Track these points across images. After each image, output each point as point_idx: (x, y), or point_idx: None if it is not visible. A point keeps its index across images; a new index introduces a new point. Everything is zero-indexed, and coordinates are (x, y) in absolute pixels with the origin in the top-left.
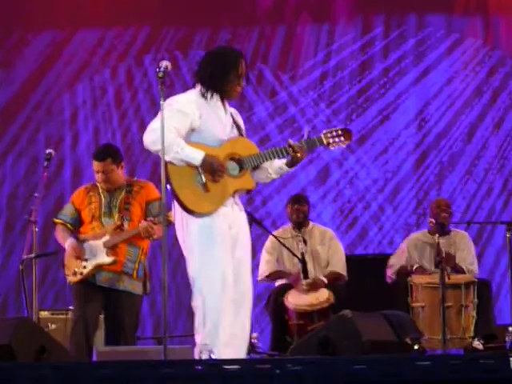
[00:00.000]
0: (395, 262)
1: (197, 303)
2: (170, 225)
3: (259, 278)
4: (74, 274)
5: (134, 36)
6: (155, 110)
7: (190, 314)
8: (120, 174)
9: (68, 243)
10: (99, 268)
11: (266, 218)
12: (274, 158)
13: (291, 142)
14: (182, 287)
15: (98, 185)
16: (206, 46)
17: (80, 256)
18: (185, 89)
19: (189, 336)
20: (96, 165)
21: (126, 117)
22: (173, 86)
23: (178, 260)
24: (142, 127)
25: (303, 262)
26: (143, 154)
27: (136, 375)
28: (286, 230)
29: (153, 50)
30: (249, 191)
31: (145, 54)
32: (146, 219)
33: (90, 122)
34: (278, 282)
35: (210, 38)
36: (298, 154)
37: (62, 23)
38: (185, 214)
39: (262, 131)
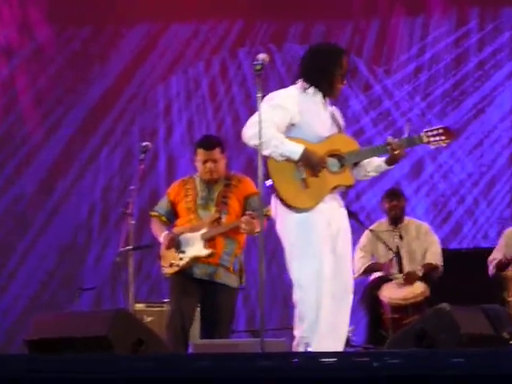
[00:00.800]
0: (495, 256)
1: (296, 297)
2: (268, 219)
3: (355, 275)
4: (171, 265)
5: (227, 29)
6: (249, 103)
7: (284, 307)
8: (223, 165)
9: (163, 235)
10: (196, 260)
11: (360, 212)
12: (374, 155)
13: (390, 139)
14: (276, 280)
15: (196, 177)
16: (300, 39)
17: (175, 248)
18: (279, 82)
19: (283, 329)
20: (204, 154)
21: (221, 110)
22: (267, 79)
23: (273, 253)
24: (236, 120)
25: (398, 256)
26: (237, 148)
27: (233, 367)
28: (381, 223)
29: (247, 44)
30: (348, 187)
31: (239, 47)
32: (244, 214)
33: (184, 115)
34: (373, 276)
35: (304, 32)
36: (397, 152)
37: (156, 16)
38: (284, 208)
39: (357, 124)
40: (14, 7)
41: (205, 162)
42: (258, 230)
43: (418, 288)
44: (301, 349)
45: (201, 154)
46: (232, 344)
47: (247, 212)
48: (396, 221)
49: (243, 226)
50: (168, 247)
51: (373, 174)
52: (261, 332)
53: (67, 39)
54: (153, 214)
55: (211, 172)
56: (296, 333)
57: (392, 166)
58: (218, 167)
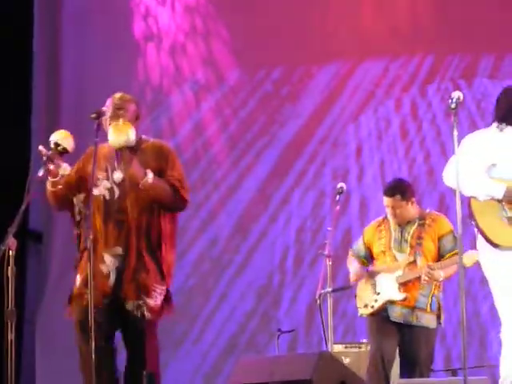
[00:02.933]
0: None
1: (502, 335)
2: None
3: None
4: (366, 306)
5: (418, 65)
6: (440, 141)
7: (480, 345)
8: (410, 209)
9: (353, 269)
10: (390, 303)
11: None
12: None
13: None
14: (471, 317)
15: (390, 219)
16: (490, 73)
17: (370, 285)
18: (469, 118)
19: (483, 367)
20: (386, 200)
21: (412, 148)
22: (457, 114)
23: (468, 290)
24: (427, 158)
25: None
26: (430, 186)
27: None
28: None
29: (437, 79)
30: None
31: (429, 83)
32: (438, 255)
33: (376, 154)
34: None
35: (494, 66)
36: None
37: (346, 54)
38: (489, 247)
39: None
40: (202, 48)
41: (387, 207)
42: (440, 279)
43: None
44: None
45: (384, 199)
46: (433, 383)
47: (427, 264)
48: None
49: (423, 277)
50: (364, 288)
51: None
52: (464, 371)
53: (258, 82)
54: (350, 253)
55: (393, 218)
56: (502, 371)
57: None
58: (398, 213)
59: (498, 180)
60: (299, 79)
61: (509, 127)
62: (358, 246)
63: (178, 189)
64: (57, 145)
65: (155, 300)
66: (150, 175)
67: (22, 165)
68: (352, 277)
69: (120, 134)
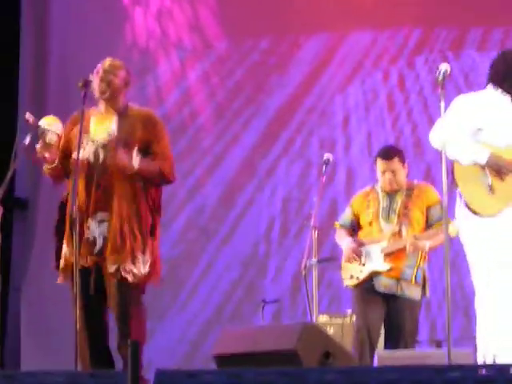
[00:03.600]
0: None
1: (479, 308)
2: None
3: None
4: (351, 277)
5: (406, 37)
6: (428, 113)
7: (465, 317)
8: (404, 175)
9: (346, 245)
10: (376, 274)
11: None
12: None
13: None
14: (456, 289)
15: (378, 188)
16: (478, 46)
17: (358, 259)
18: (456, 90)
19: (465, 339)
20: (383, 164)
21: (399, 120)
22: (444, 87)
23: (453, 261)
24: (415, 130)
25: None
26: (416, 157)
27: (420, 379)
28: None
29: (425, 51)
30: None
31: (417, 55)
32: (426, 224)
33: (363, 125)
34: None
35: (482, 39)
36: None
37: (334, 25)
38: (470, 214)
39: None
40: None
41: (384, 172)
42: (426, 249)
43: None
44: (488, 360)
45: (380, 164)
46: (417, 355)
47: (413, 234)
48: None
49: (408, 247)
50: (349, 258)
51: None
52: (448, 342)
53: (246, 51)
54: (337, 225)
55: (391, 183)
56: (480, 342)
57: None
58: (398, 178)
59: (484, 145)
60: (287, 49)
61: (500, 92)
62: (345, 215)
63: (163, 170)
64: (44, 133)
65: (139, 267)
66: (136, 163)
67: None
68: (347, 254)
69: (100, 127)
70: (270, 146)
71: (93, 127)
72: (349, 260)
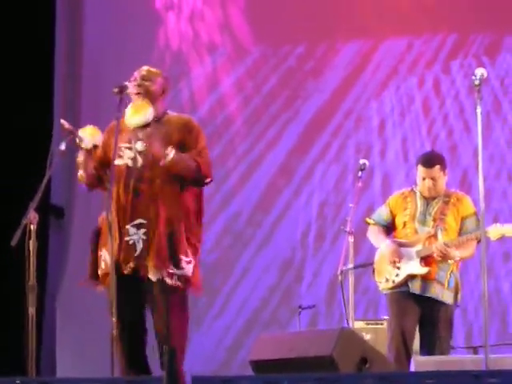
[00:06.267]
0: None
1: None
2: (478, 243)
3: None
4: (387, 280)
5: (441, 42)
6: (463, 118)
7: (502, 322)
8: (443, 182)
9: (386, 246)
10: (411, 277)
11: None
12: None
13: None
14: (492, 295)
15: (417, 191)
16: None
17: (399, 262)
18: (492, 96)
19: (503, 345)
20: (423, 171)
21: (434, 125)
22: (480, 91)
23: (489, 267)
24: (450, 135)
25: None
26: (453, 163)
27: None
28: None
29: (460, 56)
30: None
31: (452, 60)
32: (460, 234)
33: (398, 131)
34: None
35: None
36: None
37: (370, 31)
38: None
39: None
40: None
41: (424, 178)
42: (456, 258)
43: None
44: None
45: (420, 170)
46: (454, 361)
47: (444, 241)
48: None
49: (435, 253)
50: (386, 260)
51: None
52: (485, 349)
53: (282, 56)
54: (370, 221)
55: (430, 190)
56: None
57: None
58: (437, 185)
59: None
60: (323, 54)
61: None
62: (381, 213)
63: (200, 164)
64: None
65: (182, 269)
66: (171, 153)
67: (45, 139)
68: (388, 256)
69: (136, 114)
70: (307, 151)
71: (129, 136)
72: (385, 261)
